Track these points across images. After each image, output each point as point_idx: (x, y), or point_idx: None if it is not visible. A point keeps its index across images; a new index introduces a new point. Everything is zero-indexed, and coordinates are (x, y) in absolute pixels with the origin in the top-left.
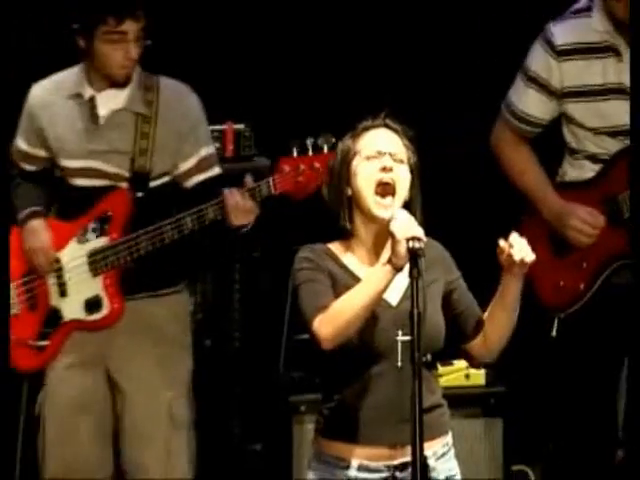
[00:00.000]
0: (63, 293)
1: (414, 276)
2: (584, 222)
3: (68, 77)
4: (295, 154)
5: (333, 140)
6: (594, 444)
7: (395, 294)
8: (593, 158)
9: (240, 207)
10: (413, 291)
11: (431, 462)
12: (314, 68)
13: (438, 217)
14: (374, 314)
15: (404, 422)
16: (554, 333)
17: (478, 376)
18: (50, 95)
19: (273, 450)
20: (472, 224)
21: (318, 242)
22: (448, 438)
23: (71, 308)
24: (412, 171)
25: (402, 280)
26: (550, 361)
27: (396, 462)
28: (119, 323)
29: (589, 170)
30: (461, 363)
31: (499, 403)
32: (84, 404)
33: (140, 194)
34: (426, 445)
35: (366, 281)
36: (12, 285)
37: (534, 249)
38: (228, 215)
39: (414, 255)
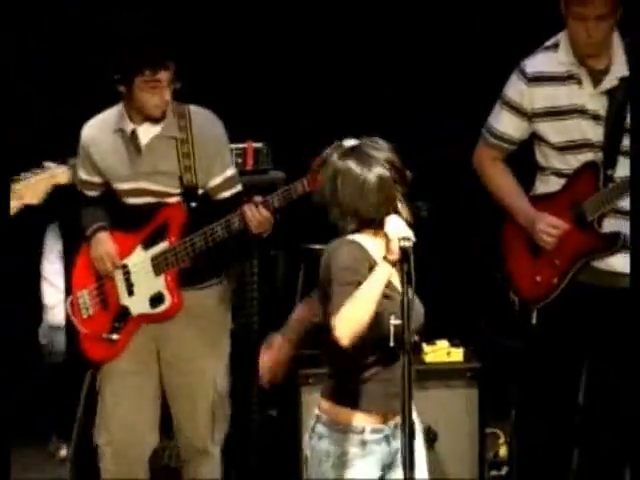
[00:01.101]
0: (131, 293)
1: (404, 270)
2: (549, 226)
3: (111, 115)
4: (318, 163)
5: None
6: (557, 410)
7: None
8: (558, 174)
9: (257, 218)
10: (403, 282)
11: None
12: (322, 93)
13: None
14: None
15: (397, 392)
16: (534, 321)
17: (458, 354)
18: (98, 132)
19: (286, 414)
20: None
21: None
22: None
23: (138, 305)
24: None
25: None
26: (530, 344)
27: (392, 423)
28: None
29: (555, 184)
30: (443, 342)
31: (475, 376)
32: (139, 381)
33: (193, 204)
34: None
35: (371, 280)
36: (87, 291)
37: (515, 250)
38: (248, 225)
39: (405, 252)
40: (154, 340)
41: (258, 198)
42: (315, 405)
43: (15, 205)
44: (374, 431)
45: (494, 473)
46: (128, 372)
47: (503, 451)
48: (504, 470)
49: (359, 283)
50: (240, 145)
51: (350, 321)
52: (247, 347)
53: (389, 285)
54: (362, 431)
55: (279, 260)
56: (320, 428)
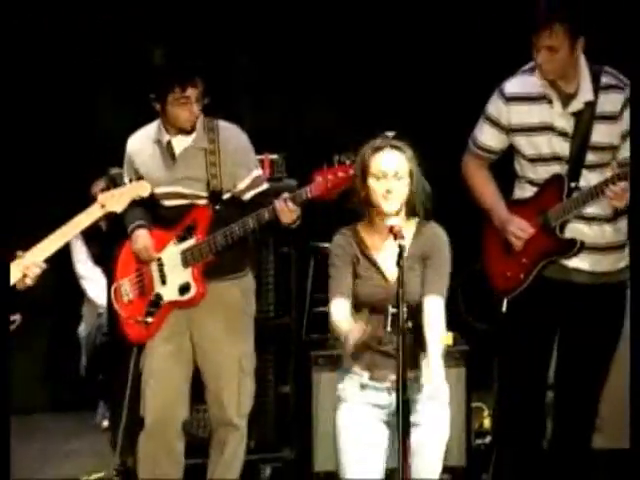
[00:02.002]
0: (164, 282)
1: (401, 265)
2: (518, 229)
3: (151, 128)
4: (325, 167)
5: (353, 157)
6: (530, 386)
7: (389, 275)
8: (531, 182)
9: (286, 210)
10: (399, 272)
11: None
12: (330, 111)
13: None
14: (375, 289)
15: (390, 358)
16: (504, 309)
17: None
18: (140, 143)
19: (298, 391)
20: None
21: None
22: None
23: (169, 292)
24: (411, 177)
25: (393, 266)
26: (501, 329)
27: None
28: (204, 301)
29: (529, 191)
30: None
31: (463, 358)
32: (174, 363)
33: (218, 207)
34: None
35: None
36: (127, 280)
37: (491, 248)
38: (279, 216)
39: (400, 248)
40: (189, 326)
41: (286, 194)
42: (324, 383)
43: (99, 213)
44: (372, 379)
45: (479, 442)
46: (166, 353)
47: (487, 422)
48: (488, 439)
49: (347, 266)
50: (259, 157)
51: (333, 330)
52: (264, 332)
53: (375, 265)
54: (361, 375)
55: (291, 257)
56: (338, 376)
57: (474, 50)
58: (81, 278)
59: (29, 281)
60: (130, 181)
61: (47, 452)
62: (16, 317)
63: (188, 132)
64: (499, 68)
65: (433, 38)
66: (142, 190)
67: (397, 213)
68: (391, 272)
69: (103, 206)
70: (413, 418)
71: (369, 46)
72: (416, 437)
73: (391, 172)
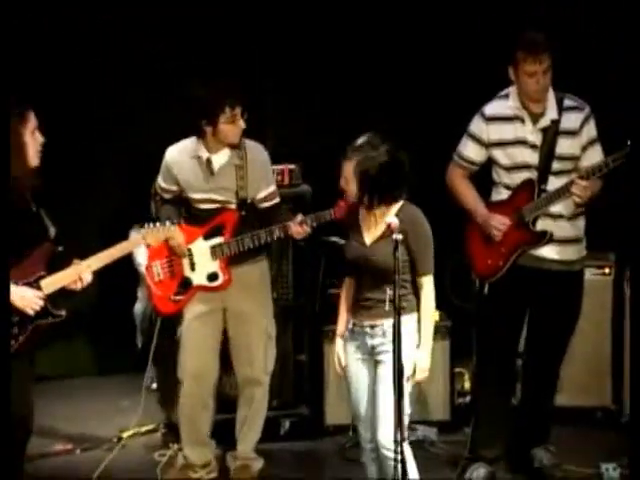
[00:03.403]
0: (193, 268)
1: (396, 257)
2: (498, 224)
3: (188, 144)
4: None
5: None
6: (503, 354)
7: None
8: (507, 187)
9: (298, 232)
10: (395, 260)
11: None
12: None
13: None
14: (363, 263)
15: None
16: (485, 292)
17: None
18: (178, 155)
19: (312, 359)
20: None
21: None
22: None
23: (198, 278)
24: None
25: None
26: (480, 307)
27: (368, 323)
28: (235, 280)
29: (505, 194)
30: None
31: (447, 332)
32: (207, 333)
33: (243, 212)
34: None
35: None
36: (159, 262)
37: (473, 241)
38: (292, 235)
39: (396, 242)
40: (221, 301)
41: (299, 217)
42: (333, 352)
43: (140, 243)
44: (356, 322)
45: (460, 400)
46: (201, 325)
47: (467, 385)
48: (468, 398)
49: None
50: (280, 166)
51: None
52: (284, 311)
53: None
54: (350, 324)
55: (306, 250)
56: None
57: (463, 62)
58: (139, 265)
59: (78, 286)
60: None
61: (102, 409)
62: (62, 313)
63: (234, 147)
64: (480, 84)
65: (435, 52)
66: (176, 235)
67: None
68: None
69: (144, 238)
70: (381, 357)
71: (375, 64)
72: (381, 371)
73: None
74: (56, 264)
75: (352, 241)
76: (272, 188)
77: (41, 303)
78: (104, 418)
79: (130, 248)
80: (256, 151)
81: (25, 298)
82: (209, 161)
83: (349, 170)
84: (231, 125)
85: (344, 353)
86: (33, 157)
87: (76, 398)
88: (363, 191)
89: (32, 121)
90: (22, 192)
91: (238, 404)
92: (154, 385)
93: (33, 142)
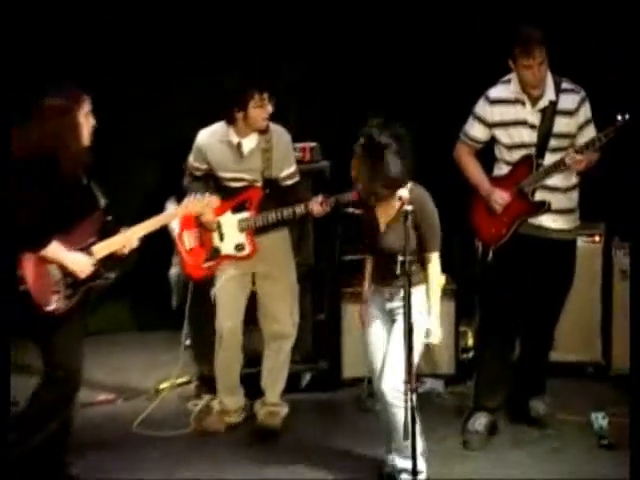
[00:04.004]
0: (221, 239)
1: (406, 227)
2: (499, 197)
3: (219, 129)
4: None
5: None
6: (505, 314)
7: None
8: (507, 163)
9: (318, 211)
10: (405, 230)
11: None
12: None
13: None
14: (379, 245)
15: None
16: (490, 257)
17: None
18: (209, 139)
19: (331, 318)
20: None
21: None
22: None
23: (226, 247)
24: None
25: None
26: (486, 272)
27: (388, 290)
28: (262, 247)
29: (505, 169)
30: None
31: (453, 294)
32: (238, 293)
33: (267, 190)
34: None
35: None
36: (189, 232)
37: (478, 212)
38: (311, 213)
39: (405, 213)
40: (250, 266)
41: (320, 197)
42: (349, 311)
43: (182, 213)
44: (377, 289)
45: (464, 356)
46: (233, 285)
47: (470, 342)
48: (471, 354)
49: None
50: (301, 144)
51: None
52: (306, 275)
53: (376, 222)
54: (371, 291)
55: (326, 220)
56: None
57: (468, 55)
58: (172, 230)
59: (125, 251)
60: (198, 173)
61: (141, 363)
62: (112, 275)
63: (262, 132)
64: (483, 73)
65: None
66: (212, 204)
67: None
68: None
69: (186, 207)
70: (396, 318)
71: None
72: (395, 329)
73: None
74: (106, 232)
75: (368, 225)
76: (293, 168)
77: (92, 267)
78: (143, 371)
79: (173, 218)
80: (281, 135)
81: (78, 263)
82: (239, 145)
83: (358, 170)
84: (260, 109)
85: (366, 312)
86: (85, 137)
87: (117, 353)
88: (379, 188)
89: (87, 105)
90: (75, 168)
91: (264, 356)
92: (188, 342)
93: (86, 124)
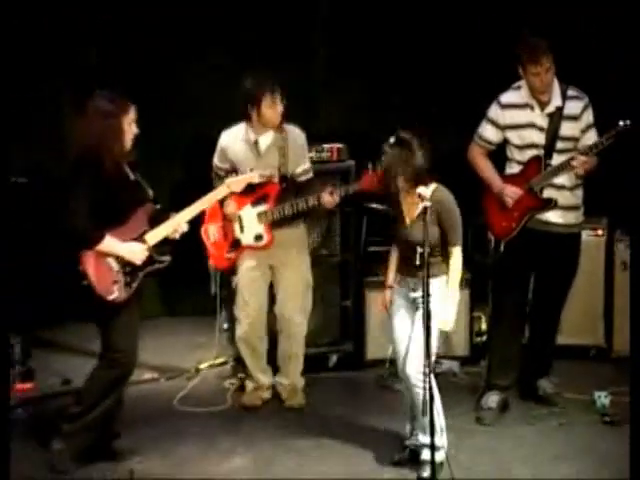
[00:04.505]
0: (242, 230)
1: (425, 221)
2: (510, 193)
3: (238, 129)
4: (370, 170)
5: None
6: (515, 301)
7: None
8: (518, 163)
9: (329, 201)
10: (424, 225)
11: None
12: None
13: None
14: (404, 240)
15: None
16: (501, 249)
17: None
18: (230, 139)
19: (356, 304)
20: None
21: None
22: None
23: (246, 238)
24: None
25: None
26: (496, 262)
27: (412, 281)
28: (278, 241)
29: (516, 168)
30: None
31: (467, 283)
32: (258, 281)
33: (284, 185)
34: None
35: None
36: (213, 225)
37: (490, 207)
38: (323, 204)
39: (424, 209)
40: (268, 257)
41: (329, 188)
42: (373, 298)
43: (225, 192)
44: (402, 279)
45: (478, 339)
46: (253, 274)
47: (484, 326)
48: (484, 337)
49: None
50: (329, 145)
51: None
52: (333, 265)
53: (403, 218)
54: (397, 281)
55: (351, 214)
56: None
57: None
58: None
59: (177, 235)
60: (226, 172)
61: (182, 345)
62: (166, 258)
63: (276, 129)
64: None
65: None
66: (255, 179)
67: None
68: (409, 223)
69: (228, 187)
70: (418, 306)
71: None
72: (417, 317)
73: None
74: (157, 220)
75: (396, 221)
76: (307, 165)
77: (146, 254)
78: (183, 353)
79: (216, 197)
80: (295, 134)
81: (132, 252)
82: (256, 142)
83: (389, 163)
84: (272, 109)
85: (391, 299)
86: (127, 142)
87: (158, 336)
88: (407, 180)
89: (132, 114)
90: (117, 168)
91: (278, 341)
92: (225, 325)
93: (129, 131)
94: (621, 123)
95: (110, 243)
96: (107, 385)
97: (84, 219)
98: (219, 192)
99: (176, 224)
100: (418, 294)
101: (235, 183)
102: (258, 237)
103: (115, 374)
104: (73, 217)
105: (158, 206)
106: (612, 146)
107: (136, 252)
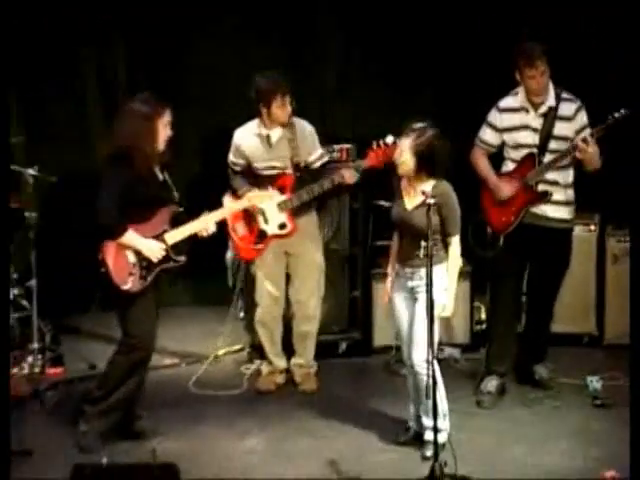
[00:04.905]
0: (266, 222)
1: (429, 216)
2: (503, 189)
3: (252, 125)
4: (375, 146)
5: (393, 139)
6: (512, 291)
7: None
8: (513, 161)
9: (349, 177)
10: (428, 220)
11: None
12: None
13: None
14: (404, 224)
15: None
16: (501, 243)
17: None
18: (243, 135)
19: (364, 295)
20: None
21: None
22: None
23: (271, 228)
24: (417, 153)
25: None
26: (495, 256)
27: (410, 270)
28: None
29: (511, 166)
30: None
31: (468, 275)
32: (275, 267)
33: (298, 174)
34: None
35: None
36: (239, 223)
37: (488, 203)
38: (346, 179)
39: (429, 205)
40: (282, 246)
41: (350, 164)
42: (379, 289)
43: (246, 204)
44: (400, 268)
45: (478, 327)
46: (271, 262)
47: (483, 316)
48: (484, 326)
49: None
50: (339, 146)
51: None
52: (341, 258)
53: (402, 201)
54: (395, 270)
55: (359, 210)
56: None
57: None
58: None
59: (205, 234)
60: (240, 167)
61: (201, 332)
62: (182, 258)
63: (284, 125)
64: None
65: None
66: (273, 198)
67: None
68: (409, 208)
69: (249, 200)
70: (417, 296)
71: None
72: (417, 306)
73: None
74: (178, 221)
75: (396, 207)
76: (320, 151)
77: (163, 252)
78: (201, 340)
79: (237, 208)
80: (302, 125)
81: (150, 248)
82: (268, 136)
83: (405, 144)
84: (281, 109)
85: (391, 289)
86: (161, 143)
87: (178, 324)
88: (415, 162)
89: (167, 116)
90: (147, 167)
91: (293, 325)
92: (241, 315)
93: (163, 132)
94: (617, 114)
95: (131, 237)
96: (126, 369)
97: (111, 212)
98: (241, 204)
99: (195, 228)
100: (415, 282)
101: (255, 197)
102: (282, 226)
103: (133, 359)
104: (101, 209)
105: (181, 209)
106: (606, 141)
107: (154, 249)
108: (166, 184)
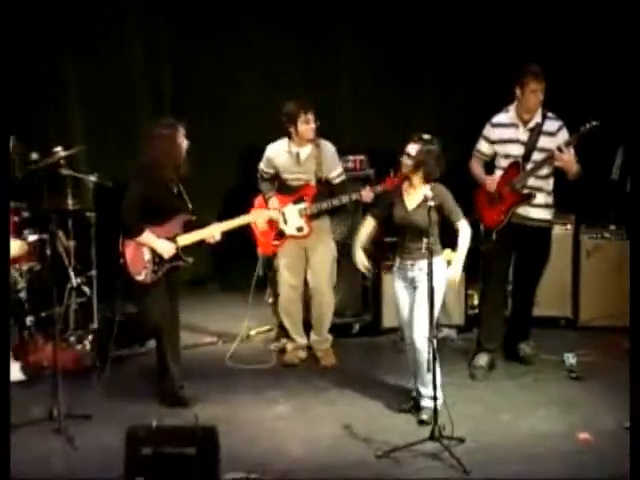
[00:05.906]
0: (285, 223)
1: (430, 217)
2: (492, 184)
3: (283, 143)
4: (392, 175)
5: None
6: (499, 280)
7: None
8: (502, 168)
9: (367, 196)
10: (428, 219)
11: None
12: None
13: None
14: (406, 223)
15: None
16: (494, 238)
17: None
18: (277, 151)
19: (374, 284)
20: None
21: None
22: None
23: (290, 229)
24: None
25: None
26: (489, 249)
27: (409, 263)
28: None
29: (500, 173)
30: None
31: (463, 266)
32: (295, 261)
33: (319, 187)
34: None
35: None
36: (261, 223)
37: (482, 203)
38: (364, 198)
39: (429, 207)
40: (304, 241)
41: (367, 187)
42: (387, 279)
43: (253, 220)
44: (400, 263)
45: (471, 311)
46: (291, 256)
47: (475, 301)
48: (476, 310)
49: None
50: (353, 157)
51: None
52: (347, 250)
53: (403, 204)
54: (396, 263)
55: (362, 213)
56: (394, 269)
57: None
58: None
59: (212, 241)
60: (270, 176)
61: (236, 314)
62: (189, 260)
63: (310, 141)
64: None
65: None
66: (276, 217)
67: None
68: (410, 209)
69: (267, 210)
70: (417, 284)
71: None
72: (417, 294)
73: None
74: (190, 227)
75: (397, 207)
76: (340, 169)
77: (173, 251)
78: (236, 321)
79: (248, 221)
80: (327, 146)
81: (163, 247)
82: (298, 154)
83: (413, 149)
84: (306, 126)
85: (368, 261)
86: (182, 155)
87: (219, 307)
88: (417, 168)
89: (181, 130)
90: (169, 180)
91: (311, 307)
92: (270, 300)
93: (182, 144)
94: (588, 125)
95: (148, 237)
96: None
97: (134, 215)
98: (253, 216)
99: (204, 234)
100: (415, 273)
101: (261, 215)
102: (300, 229)
103: (147, 334)
104: (126, 212)
105: (194, 217)
106: (581, 149)
107: (166, 248)
108: (181, 196)
